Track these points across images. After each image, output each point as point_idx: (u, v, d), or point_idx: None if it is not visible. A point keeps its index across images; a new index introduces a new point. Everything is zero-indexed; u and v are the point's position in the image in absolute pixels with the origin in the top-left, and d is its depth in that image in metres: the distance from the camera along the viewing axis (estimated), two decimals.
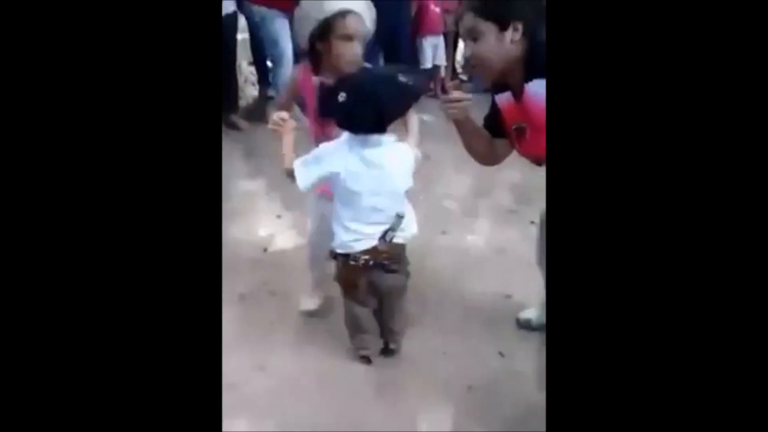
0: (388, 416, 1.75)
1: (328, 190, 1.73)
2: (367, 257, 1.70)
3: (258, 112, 3.83)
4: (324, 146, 1.66)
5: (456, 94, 1.64)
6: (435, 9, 4.24)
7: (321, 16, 1.66)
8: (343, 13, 1.65)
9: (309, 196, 1.95)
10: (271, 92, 3.95)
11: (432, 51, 4.25)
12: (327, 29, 1.67)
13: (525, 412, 1.71)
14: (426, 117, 3.85)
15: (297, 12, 1.74)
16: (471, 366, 1.93)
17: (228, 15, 3.36)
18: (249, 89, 4.23)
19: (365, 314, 1.88)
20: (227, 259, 2.40)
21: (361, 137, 1.60)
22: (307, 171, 1.63)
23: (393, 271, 1.76)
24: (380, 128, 1.60)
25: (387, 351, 1.96)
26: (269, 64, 3.87)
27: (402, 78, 1.55)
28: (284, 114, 1.73)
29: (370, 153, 1.60)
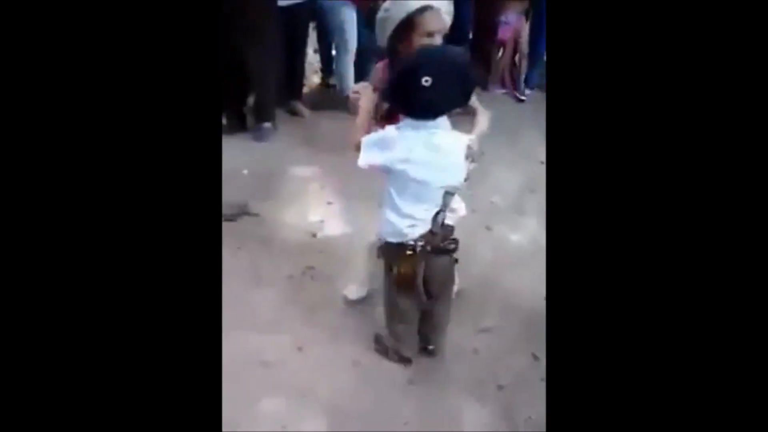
0: (417, 409, 1.79)
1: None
2: (423, 243, 1.68)
3: (319, 100, 3.92)
4: (390, 129, 1.64)
5: None
6: None
7: (403, 15, 1.68)
8: (423, 10, 1.68)
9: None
10: (333, 81, 4.03)
11: None
12: (409, 26, 1.70)
13: None
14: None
15: (379, 14, 1.76)
16: (502, 366, 1.94)
17: (301, 4, 3.44)
18: (312, 77, 4.31)
19: (415, 312, 1.85)
20: (278, 240, 2.53)
21: (422, 123, 1.59)
22: (373, 150, 1.63)
23: (447, 252, 1.73)
24: (465, 101, 1.62)
25: (427, 351, 1.95)
26: (333, 52, 3.94)
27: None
28: (367, 84, 1.78)
29: (434, 137, 1.60)
